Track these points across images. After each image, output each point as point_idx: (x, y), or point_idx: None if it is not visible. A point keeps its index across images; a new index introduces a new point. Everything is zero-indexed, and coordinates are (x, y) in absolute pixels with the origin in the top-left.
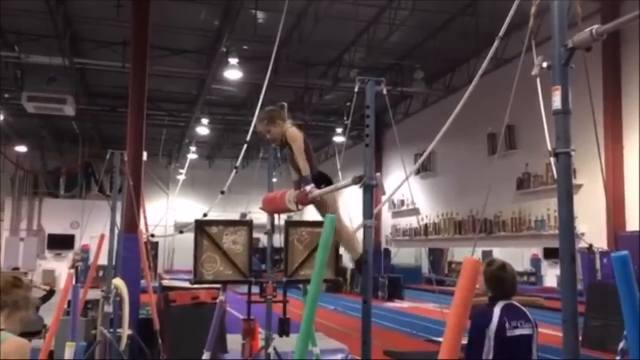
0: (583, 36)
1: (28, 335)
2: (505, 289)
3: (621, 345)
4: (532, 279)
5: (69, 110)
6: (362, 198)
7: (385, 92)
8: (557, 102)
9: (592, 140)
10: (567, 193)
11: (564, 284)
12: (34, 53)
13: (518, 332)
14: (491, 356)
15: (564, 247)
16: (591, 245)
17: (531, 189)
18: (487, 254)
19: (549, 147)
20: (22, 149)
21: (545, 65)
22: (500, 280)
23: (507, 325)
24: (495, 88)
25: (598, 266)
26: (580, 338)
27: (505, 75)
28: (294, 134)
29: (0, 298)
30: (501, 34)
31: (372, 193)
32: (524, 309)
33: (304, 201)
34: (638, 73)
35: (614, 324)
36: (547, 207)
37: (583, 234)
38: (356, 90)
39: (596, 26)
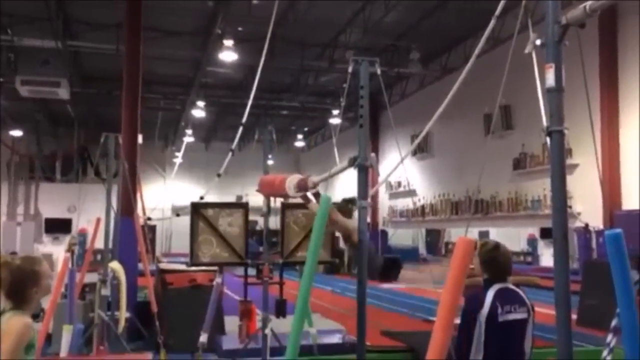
0: (576, 12)
1: None
2: (498, 271)
3: (614, 322)
4: (529, 259)
5: (63, 93)
6: (357, 178)
7: (379, 72)
8: (550, 80)
9: (588, 119)
10: (560, 171)
11: (556, 261)
12: (26, 36)
13: (511, 316)
14: (482, 341)
15: (556, 224)
16: (587, 224)
17: (527, 169)
18: (483, 234)
19: (544, 125)
20: (17, 133)
21: (538, 42)
22: (493, 261)
23: (499, 310)
24: (491, 67)
25: (594, 245)
26: (576, 316)
27: (502, 55)
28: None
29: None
30: (497, 12)
31: (366, 173)
32: (520, 292)
33: (304, 188)
34: (636, 49)
35: (609, 301)
36: (543, 187)
37: (579, 213)
38: (350, 70)
39: (589, 2)
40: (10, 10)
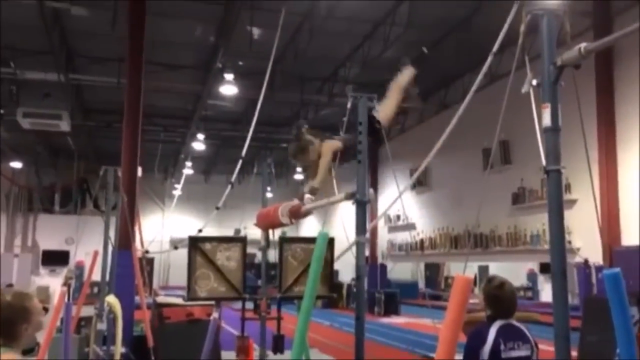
0: (571, 54)
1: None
2: (502, 308)
3: None
4: (529, 294)
5: (64, 125)
6: (355, 214)
7: (377, 107)
8: (546, 120)
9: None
10: (557, 209)
11: (555, 298)
12: (29, 69)
13: (514, 353)
14: None
15: (554, 263)
16: (586, 260)
17: (526, 204)
18: (483, 269)
19: (543, 163)
20: (17, 164)
21: (535, 83)
22: (496, 299)
23: (502, 347)
24: (489, 103)
25: (594, 280)
26: (577, 353)
27: (499, 90)
28: (326, 148)
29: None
30: (494, 49)
31: (364, 209)
32: (523, 328)
33: (296, 214)
34: (632, 87)
35: (610, 338)
36: (542, 222)
37: (578, 249)
38: (349, 106)
39: (584, 44)
40: (13, 43)
